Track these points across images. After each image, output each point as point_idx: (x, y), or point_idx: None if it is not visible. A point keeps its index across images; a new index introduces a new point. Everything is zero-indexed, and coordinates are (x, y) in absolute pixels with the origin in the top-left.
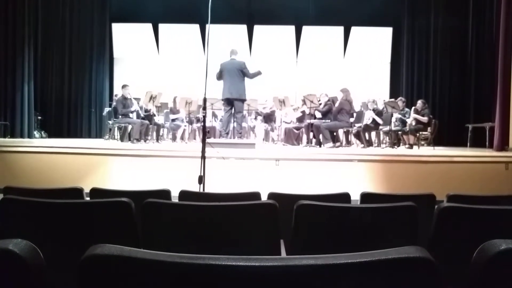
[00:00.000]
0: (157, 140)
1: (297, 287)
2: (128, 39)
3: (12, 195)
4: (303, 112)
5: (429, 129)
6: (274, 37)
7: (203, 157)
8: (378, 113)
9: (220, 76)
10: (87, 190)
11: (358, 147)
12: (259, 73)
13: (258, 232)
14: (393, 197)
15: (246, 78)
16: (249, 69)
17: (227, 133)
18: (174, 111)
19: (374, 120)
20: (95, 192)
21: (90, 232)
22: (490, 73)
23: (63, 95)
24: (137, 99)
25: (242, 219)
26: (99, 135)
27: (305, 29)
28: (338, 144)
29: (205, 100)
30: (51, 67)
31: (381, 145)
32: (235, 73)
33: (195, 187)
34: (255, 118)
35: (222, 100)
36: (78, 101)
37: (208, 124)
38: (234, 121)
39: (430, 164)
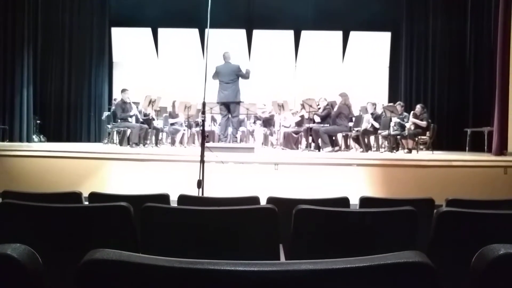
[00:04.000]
0: (156, 144)
1: None
2: (128, 43)
3: (11, 200)
4: (302, 116)
5: (428, 133)
6: (273, 41)
7: (202, 161)
8: (377, 117)
9: (215, 76)
10: (85, 194)
11: (357, 152)
12: (248, 71)
13: (257, 237)
14: (392, 202)
15: (240, 80)
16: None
17: (226, 137)
18: (173, 115)
19: (372, 124)
20: (93, 196)
21: (89, 237)
22: (489, 77)
23: (62, 99)
24: (136, 103)
25: (241, 223)
26: (98, 139)
27: (304, 33)
28: (337, 148)
29: (204, 104)
30: (50, 71)
31: (380, 149)
32: (230, 76)
33: (194, 191)
34: (254, 122)
35: (218, 103)
36: (77, 105)
37: (207, 128)
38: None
39: (429, 169)
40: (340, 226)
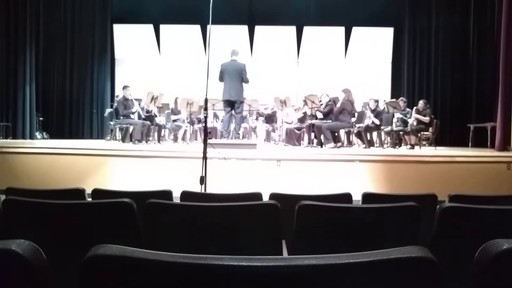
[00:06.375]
0: (159, 141)
1: (299, 287)
2: (130, 40)
3: (15, 196)
4: (305, 112)
5: (430, 129)
6: (275, 37)
7: (204, 157)
8: (378, 113)
9: (221, 78)
10: (89, 191)
11: (359, 148)
12: (248, 82)
13: (260, 233)
14: (395, 197)
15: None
16: (247, 73)
17: (228, 134)
18: (175, 111)
19: (373, 120)
20: (97, 192)
21: (92, 233)
22: (492, 72)
23: (64, 96)
24: (139, 100)
25: (243, 219)
26: (100, 136)
27: (306, 29)
28: (339, 144)
29: (206, 100)
30: (52, 68)
31: (383, 145)
32: (235, 75)
33: (196, 188)
34: (257, 119)
35: (223, 101)
36: (80, 102)
37: (209, 124)
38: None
39: (431, 164)
40: (343, 222)
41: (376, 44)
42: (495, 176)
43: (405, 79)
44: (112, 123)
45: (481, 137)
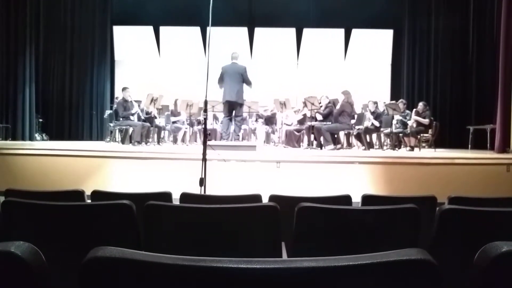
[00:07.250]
0: (158, 142)
1: None
2: (129, 41)
3: (14, 198)
4: (304, 114)
5: (430, 131)
6: (275, 39)
7: (204, 159)
8: (378, 115)
9: (221, 81)
10: (88, 192)
11: (359, 149)
12: (250, 86)
13: (259, 235)
14: (395, 199)
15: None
16: (248, 75)
17: (228, 135)
18: (175, 113)
19: (373, 122)
20: (96, 194)
21: (92, 235)
22: (491, 74)
23: (64, 98)
24: (138, 102)
25: (243, 221)
26: (100, 137)
27: (306, 31)
28: (339, 146)
29: (206, 102)
30: (52, 69)
31: (382, 147)
32: (236, 77)
33: (196, 190)
34: (256, 121)
35: (223, 103)
36: (79, 104)
37: (209, 126)
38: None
39: (431, 166)
40: (342, 224)
41: (375, 46)
42: (494, 178)
43: (405, 81)
44: (111, 124)
45: (480, 139)
